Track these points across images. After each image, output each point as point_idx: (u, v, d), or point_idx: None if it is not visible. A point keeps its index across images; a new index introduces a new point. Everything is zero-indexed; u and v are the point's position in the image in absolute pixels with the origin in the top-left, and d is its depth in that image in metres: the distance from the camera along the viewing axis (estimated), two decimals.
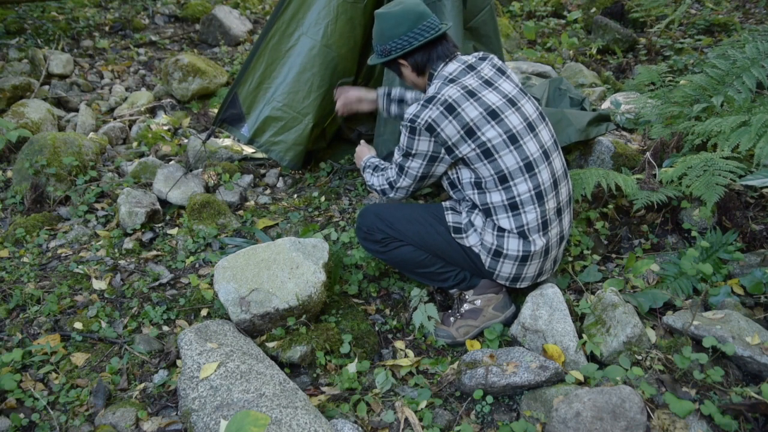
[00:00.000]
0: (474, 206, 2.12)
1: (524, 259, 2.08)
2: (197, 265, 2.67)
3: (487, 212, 2.08)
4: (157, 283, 2.55)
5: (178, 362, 2.12)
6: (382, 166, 2.32)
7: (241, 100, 3.02)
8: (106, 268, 2.64)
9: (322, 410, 1.90)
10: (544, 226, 2.05)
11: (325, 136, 3.28)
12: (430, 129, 1.98)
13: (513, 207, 2.02)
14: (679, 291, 2.29)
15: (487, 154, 1.98)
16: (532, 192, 2.01)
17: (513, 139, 1.98)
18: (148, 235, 2.87)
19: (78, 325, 2.29)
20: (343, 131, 3.43)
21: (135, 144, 3.76)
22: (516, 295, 2.39)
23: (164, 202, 3.07)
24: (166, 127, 3.87)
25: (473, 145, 1.98)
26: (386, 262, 2.37)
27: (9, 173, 3.38)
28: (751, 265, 2.33)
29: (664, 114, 2.90)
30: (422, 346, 2.27)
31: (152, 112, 4.18)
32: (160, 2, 5.86)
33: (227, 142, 3.51)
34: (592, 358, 2.02)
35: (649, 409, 1.76)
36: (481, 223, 2.10)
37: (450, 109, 1.96)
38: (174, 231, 2.91)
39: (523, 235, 2.04)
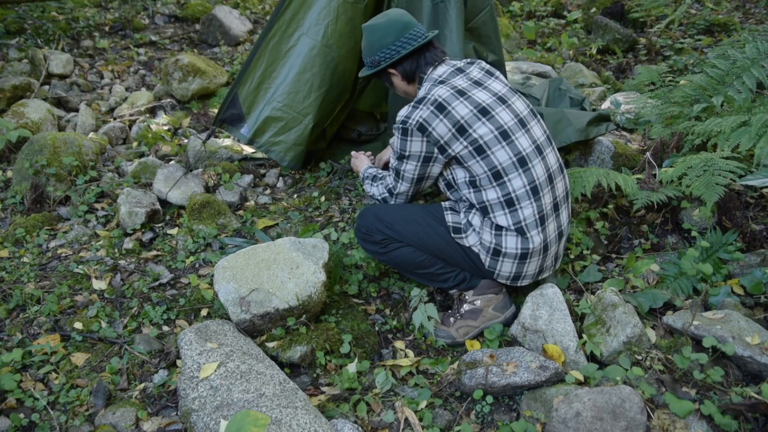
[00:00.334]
0: (471, 206, 2.13)
1: (523, 256, 2.08)
2: (197, 265, 2.67)
3: (484, 210, 2.08)
4: (157, 283, 2.55)
5: (178, 362, 2.12)
6: (380, 175, 2.35)
7: (242, 101, 3.02)
8: (106, 268, 2.64)
9: (322, 410, 1.90)
10: (542, 221, 2.05)
11: (325, 137, 3.28)
12: (422, 129, 2.00)
13: (509, 203, 2.03)
14: (679, 291, 2.29)
15: (480, 150, 1.99)
16: (527, 187, 2.01)
17: (505, 135, 2.00)
18: (148, 235, 2.87)
19: (78, 325, 2.29)
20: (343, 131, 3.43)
21: (135, 144, 3.76)
22: (516, 295, 2.39)
23: (164, 202, 3.07)
24: (166, 127, 3.87)
25: (465, 143, 1.99)
26: (386, 263, 2.37)
27: (9, 173, 3.38)
28: (751, 265, 2.33)
29: (664, 114, 2.90)
30: (422, 346, 2.27)
31: (152, 112, 4.18)
32: (160, 2, 5.86)
33: (227, 142, 3.51)
34: (592, 358, 2.02)
35: (649, 409, 1.76)
36: (479, 223, 2.11)
37: (440, 108, 1.98)
38: (174, 231, 2.91)
39: (520, 231, 2.05)
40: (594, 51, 4.85)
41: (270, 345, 2.11)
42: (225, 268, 2.18)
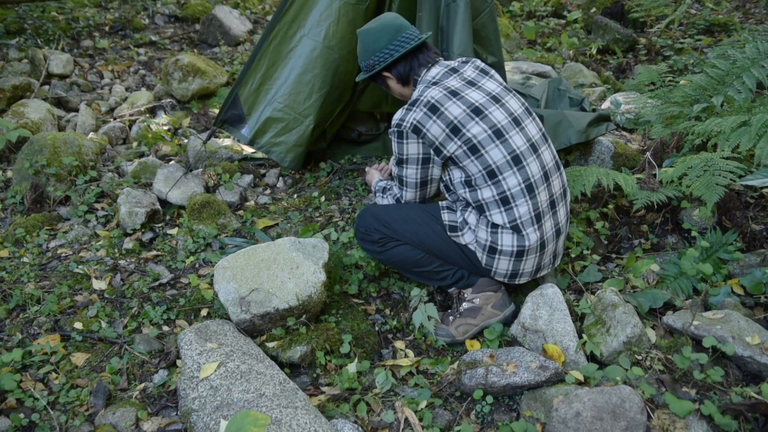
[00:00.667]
0: (468, 204, 2.14)
1: (519, 254, 2.08)
2: (197, 265, 2.67)
3: (480, 209, 2.09)
4: (157, 283, 2.55)
5: (178, 362, 2.12)
6: (389, 186, 2.38)
7: (242, 101, 3.02)
8: (106, 268, 2.64)
9: (322, 410, 1.90)
10: (538, 219, 2.06)
11: (325, 137, 3.28)
12: (416, 131, 2.03)
13: (504, 201, 2.04)
14: (679, 291, 2.29)
15: (474, 150, 2.00)
16: (522, 185, 2.02)
17: (498, 134, 2.01)
18: (148, 235, 2.87)
19: (78, 325, 2.29)
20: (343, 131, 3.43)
21: (135, 144, 3.76)
22: (516, 295, 2.39)
23: (164, 202, 3.07)
24: (166, 127, 3.87)
25: (459, 143, 2.01)
26: (384, 263, 2.37)
27: (9, 173, 3.38)
28: (751, 265, 2.33)
29: (664, 114, 2.90)
30: (422, 346, 2.27)
31: (152, 112, 4.18)
32: (160, 2, 5.86)
33: (227, 142, 3.51)
34: (592, 358, 2.02)
35: (649, 409, 1.76)
36: (475, 221, 2.11)
37: (433, 109, 2.00)
38: (174, 231, 2.91)
39: (516, 229, 2.05)
40: (594, 51, 4.86)
41: (270, 345, 2.11)
42: (225, 268, 2.18)
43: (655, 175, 2.64)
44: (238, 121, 3.06)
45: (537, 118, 2.16)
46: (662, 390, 1.85)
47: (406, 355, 2.21)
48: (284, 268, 2.17)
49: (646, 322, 2.14)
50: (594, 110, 3.29)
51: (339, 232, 2.68)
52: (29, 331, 2.31)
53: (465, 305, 2.25)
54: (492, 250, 2.10)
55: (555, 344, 2.01)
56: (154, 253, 2.76)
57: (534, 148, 2.06)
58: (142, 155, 3.63)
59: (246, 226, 2.89)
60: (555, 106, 3.34)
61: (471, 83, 2.09)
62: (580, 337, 2.05)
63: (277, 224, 2.88)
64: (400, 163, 2.14)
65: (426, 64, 2.15)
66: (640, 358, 1.97)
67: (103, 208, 3.10)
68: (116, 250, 2.78)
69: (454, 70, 2.13)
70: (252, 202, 3.11)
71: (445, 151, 2.04)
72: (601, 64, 4.81)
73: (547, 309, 2.10)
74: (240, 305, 2.09)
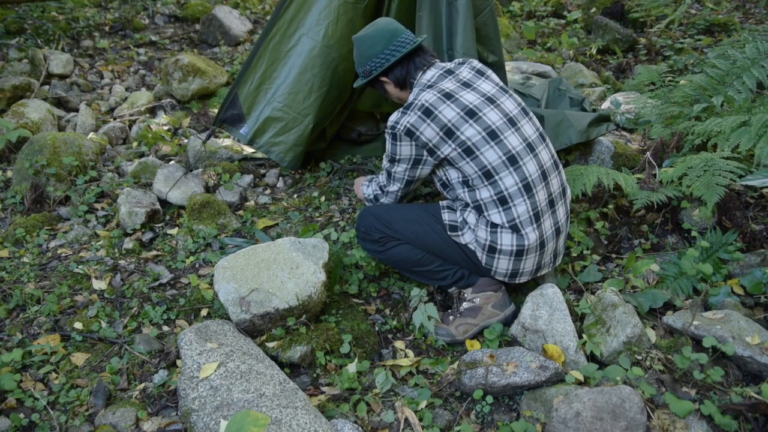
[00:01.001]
0: (467, 204, 2.14)
1: (519, 253, 2.09)
2: (197, 265, 2.67)
3: (479, 209, 2.10)
4: (157, 283, 2.55)
5: (178, 362, 2.12)
6: (371, 178, 2.45)
7: (242, 101, 3.02)
8: (106, 268, 2.64)
9: (322, 410, 1.90)
10: (536, 218, 2.06)
11: (325, 137, 3.28)
12: (410, 134, 2.06)
13: (502, 201, 2.04)
14: (679, 291, 2.29)
15: (469, 152, 2.02)
16: (520, 184, 2.03)
17: (492, 135, 2.02)
18: (148, 235, 2.87)
19: (78, 325, 2.29)
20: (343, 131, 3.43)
21: (135, 144, 3.76)
22: (516, 295, 2.40)
23: (164, 202, 3.07)
24: (166, 127, 3.87)
25: (453, 145, 2.03)
26: (384, 262, 2.38)
27: (9, 173, 3.38)
28: (751, 265, 2.33)
29: (664, 114, 2.90)
30: (422, 346, 2.27)
31: (152, 112, 4.18)
32: (160, 2, 5.86)
33: (227, 142, 3.51)
34: (592, 358, 2.02)
35: (649, 409, 1.76)
36: (474, 220, 2.12)
37: (427, 112, 2.02)
38: (174, 231, 2.91)
39: (515, 228, 2.05)
40: (594, 51, 4.85)
41: (270, 345, 2.11)
42: (225, 268, 2.18)
43: (655, 175, 2.64)
44: (237, 120, 3.06)
45: (534, 118, 2.17)
46: (662, 390, 1.85)
47: (406, 355, 2.21)
48: (284, 268, 2.17)
49: (646, 322, 2.14)
50: (594, 110, 3.29)
51: (339, 232, 2.68)
52: (29, 331, 2.31)
53: (465, 305, 2.25)
54: (492, 250, 2.10)
55: (555, 344, 2.01)
56: (154, 253, 2.76)
57: (530, 147, 2.06)
58: (142, 155, 3.62)
59: (246, 226, 2.89)
60: (555, 106, 3.35)
61: (466, 85, 2.10)
62: (580, 337, 2.05)
63: (277, 224, 2.88)
64: (392, 161, 2.18)
65: (422, 67, 2.17)
66: (640, 358, 1.97)
67: (103, 208, 3.10)
68: (116, 250, 2.78)
69: (449, 72, 2.14)
70: (252, 202, 3.11)
71: (438, 152, 2.06)
72: (601, 64, 4.81)
73: (547, 309, 2.10)
74: (240, 305, 2.09)
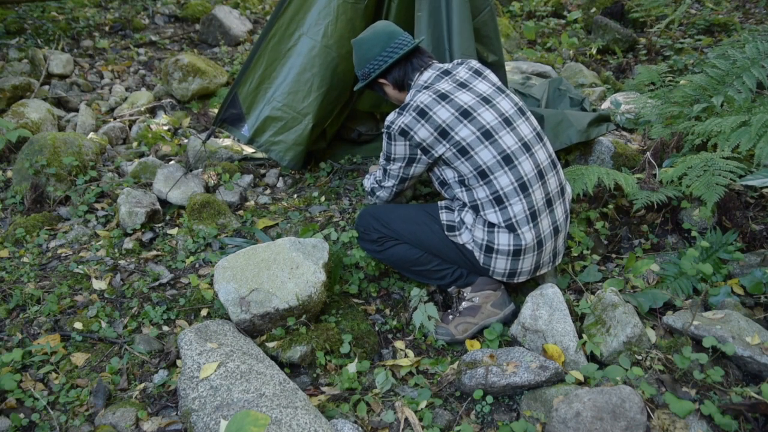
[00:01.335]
0: (464, 204, 2.15)
1: (516, 253, 2.09)
2: (197, 265, 2.67)
3: (476, 209, 2.11)
4: (157, 283, 2.55)
5: (178, 362, 2.12)
6: (371, 172, 2.48)
7: (241, 100, 3.02)
8: (106, 268, 2.64)
9: (322, 410, 1.90)
10: (533, 217, 2.06)
11: (325, 136, 3.28)
12: (404, 133, 2.08)
13: (498, 201, 2.05)
14: (679, 291, 2.29)
15: (463, 152, 2.04)
16: (515, 184, 2.03)
17: (487, 135, 2.03)
18: (148, 235, 2.87)
19: (78, 325, 2.29)
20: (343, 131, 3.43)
21: (135, 144, 3.76)
22: (516, 295, 2.40)
23: (164, 202, 3.07)
24: (166, 127, 3.87)
25: (448, 145, 2.04)
26: (383, 262, 2.39)
27: (9, 173, 3.38)
28: (751, 265, 2.33)
29: (664, 114, 2.90)
30: (422, 346, 2.27)
31: (152, 112, 4.18)
32: (160, 2, 5.86)
33: (227, 142, 3.51)
34: (592, 358, 2.02)
35: (649, 409, 1.76)
36: (471, 220, 2.13)
37: (422, 113, 2.04)
38: (174, 231, 2.91)
39: (511, 228, 2.06)
40: (594, 51, 4.85)
41: (270, 345, 2.11)
42: (225, 268, 2.18)
43: (655, 175, 2.64)
44: (237, 120, 3.06)
45: (532, 118, 2.18)
46: (662, 390, 1.85)
47: (406, 355, 2.21)
48: (284, 268, 2.17)
49: (646, 322, 2.14)
50: (594, 110, 3.29)
51: (339, 232, 2.68)
52: (29, 331, 2.31)
53: (464, 304, 2.25)
54: (489, 249, 2.11)
55: (555, 344, 2.01)
56: (154, 253, 2.76)
57: (527, 147, 2.07)
58: (142, 155, 3.62)
59: (246, 226, 2.89)
60: (555, 106, 3.35)
61: (462, 85, 2.12)
62: (580, 337, 2.05)
63: (277, 224, 2.88)
64: (387, 159, 2.22)
65: (419, 68, 2.19)
66: (640, 358, 1.96)
67: (103, 208, 3.10)
68: (116, 250, 2.78)
69: (446, 73, 2.16)
70: (252, 202, 3.11)
71: (433, 152, 2.08)
72: (601, 64, 4.81)
73: (547, 309, 2.10)
74: (240, 305, 2.09)
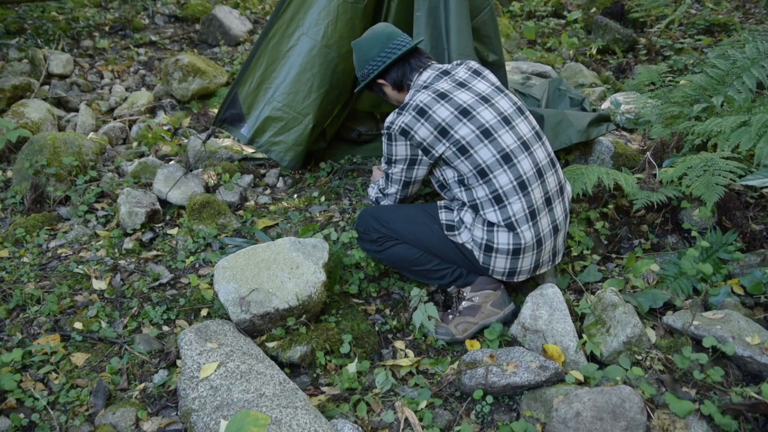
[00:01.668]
0: (464, 204, 2.16)
1: (516, 252, 2.09)
2: (197, 265, 2.67)
3: (475, 208, 2.11)
4: (157, 283, 2.55)
5: (178, 362, 2.12)
6: (375, 180, 2.50)
7: (241, 101, 3.02)
8: (106, 268, 2.64)
9: (322, 410, 1.90)
10: (532, 216, 2.07)
11: (325, 137, 3.28)
12: (404, 133, 2.08)
13: (497, 200, 2.05)
14: (679, 291, 2.29)
15: (463, 150, 2.04)
16: (514, 183, 2.04)
17: (486, 134, 2.04)
18: (148, 235, 2.87)
19: (78, 325, 2.29)
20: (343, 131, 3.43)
21: (135, 144, 3.76)
22: (516, 295, 2.40)
23: (164, 202, 3.07)
24: (166, 127, 3.87)
25: (448, 144, 2.05)
26: (383, 262, 2.39)
27: (9, 173, 3.38)
28: (751, 265, 2.33)
29: (664, 114, 2.90)
30: (422, 346, 2.27)
31: (152, 112, 4.18)
32: (160, 2, 5.86)
33: (227, 142, 3.51)
34: (592, 358, 2.02)
35: (649, 409, 1.76)
36: (471, 220, 2.13)
37: (421, 112, 2.05)
38: (174, 231, 2.91)
39: (511, 227, 2.06)
40: (594, 51, 4.85)
41: (270, 345, 2.11)
42: (225, 268, 2.18)
43: (655, 175, 2.64)
44: (237, 120, 3.06)
45: (531, 117, 2.18)
46: (662, 390, 1.85)
47: (406, 355, 2.21)
48: (284, 268, 2.17)
49: (646, 322, 2.14)
50: (594, 110, 3.29)
51: (339, 232, 2.68)
52: (29, 331, 2.31)
53: (464, 303, 2.25)
54: (488, 249, 2.11)
55: (555, 344, 2.01)
56: (154, 253, 2.76)
57: (525, 145, 2.08)
58: (142, 155, 3.62)
59: (246, 226, 2.89)
60: (555, 105, 3.34)
61: (461, 84, 2.12)
62: (580, 337, 2.05)
63: (277, 224, 2.88)
64: (388, 162, 2.22)
65: (418, 68, 2.19)
66: (640, 358, 1.97)
67: (103, 208, 3.10)
68: (116, 250, 2.78)
69: (445, 73, 2.16)
70: (252, 202, 3.11)
71: (433, 152, 2.09)
72: (601, 64, 4.81)
73: (547, 309, 2.10)
74: (240, 305, 2.09)
